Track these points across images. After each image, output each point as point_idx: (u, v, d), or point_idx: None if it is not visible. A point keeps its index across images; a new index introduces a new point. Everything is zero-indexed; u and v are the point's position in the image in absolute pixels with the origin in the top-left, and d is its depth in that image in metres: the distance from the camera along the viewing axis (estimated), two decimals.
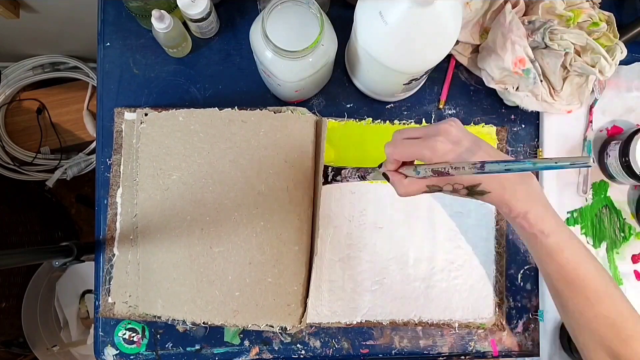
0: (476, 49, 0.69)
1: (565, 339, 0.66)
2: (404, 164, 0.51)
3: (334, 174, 0.61)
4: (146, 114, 0.65)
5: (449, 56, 0.70)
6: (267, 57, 0.56)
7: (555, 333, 0.67)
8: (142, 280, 0.64)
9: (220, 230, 0.62)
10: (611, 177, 0.69)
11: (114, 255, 0.65)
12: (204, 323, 0.62)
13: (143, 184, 0.64)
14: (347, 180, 0.61)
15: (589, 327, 0.50)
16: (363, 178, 0.57)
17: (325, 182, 0.63)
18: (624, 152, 0.65)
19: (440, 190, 0.50)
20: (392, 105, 0.70)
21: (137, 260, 0.64)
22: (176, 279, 0.62)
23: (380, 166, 0.53)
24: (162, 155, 0.64)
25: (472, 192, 0.49)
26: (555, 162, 0.40)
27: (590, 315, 0.49)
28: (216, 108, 0.64)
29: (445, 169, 0.45)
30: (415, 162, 0.50)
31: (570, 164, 0.39)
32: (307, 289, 0.63)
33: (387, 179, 0.52)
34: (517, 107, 0.68)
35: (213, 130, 0.64)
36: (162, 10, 0.59)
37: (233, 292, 0.62)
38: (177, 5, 0.61)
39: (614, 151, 0.67)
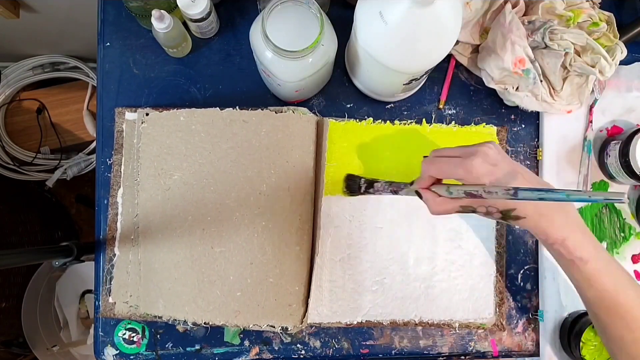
0: (476, 49, 0.69)
1: (565, 339, 0.66)
2: (438, 181, 0.51)
3: (367, 186, 0.62)
4: (147, 114, 0.65)
5: (449, 56, 0.70)
6: (267, 57, 0.56)
7: (556, 333, 0.67)
8: (143, 280, 0.64)
9: (221, 230, 0.62)
10: (611, 177, 0.69)
11: (114, 255, 0.65)
12: (205, 323, 0.62)
13: (144, 184, 0.64)
14: (380, 194, 0.62)
15: (628, 351, 0.49)
16: (395, 193, 0.58)
17: (357, 192, 0.65)
18: (624, 152, 0.65)
19: (474, 212, 0.50)
20: (392, 105, 0.70)
21: (138, 260, 0.64)
22: (177, 279, 0.62)
23: (412, 183, 0.53)
24: (163, 155, 0.64)
25: (507, 216, 0.48)
26: (589, 196, 0.40)
27: (630, 339, 0.49)
28: (217, 108, 0.64)
29: (478, 192, 0.45)
30: (448, 182, 0.50)
31: (604, 199, 0.39)
32: (308, 289, 0.63)
33: (420, 196, 0.53)
34: (517, 107, 0.68)
35: (214, 130, 0.64)
36: (162, 10, 0.59)
37: (234, 292, 0.62)
38: (177, 5, 0.61)
39: (613, 151, 0.67)
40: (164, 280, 0.63)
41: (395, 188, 0.58)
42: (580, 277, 0.50)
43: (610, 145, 0.68)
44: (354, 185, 0.65)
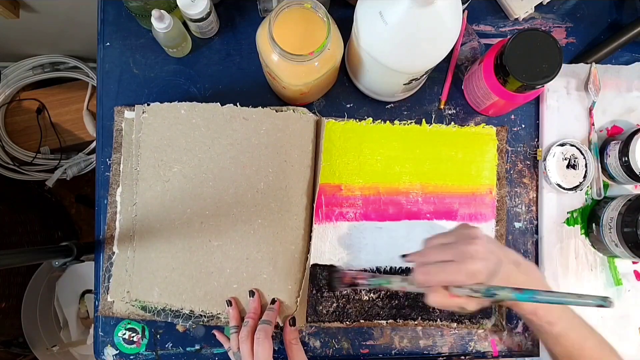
0: None
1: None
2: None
3: (351, 284, 0.59)
4: (148, 104, 0.65)
5: (449, 56, 0.70)
6: (273, 60, 0.56)
7: None
8: (137, 268, 0.64)
9: (219, 224, 0.63)
10: (611, 177, 0.69)
11: (113, 253, 0.65)
12: (201, 311, 0.62)
13: (144, 174, 0.64)
14: (366, 288, 0.63)
15: None
16: (389, 289, 0.57)
17: (338, 289, 0.64)
18: (624, 152, 0.65)
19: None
20: (392, 105, 0.70)
21: (134, 248, 0.64)
22: (175, 269, 0.63)
23: (404, 279, 0.54)
24: (163, 147, 0.64)
25: (493, 300, 0.51)
26: (578, 299, 0.46)
27: None
28: (218, 103, 0.64)
29: (481, 291, 0.48)
30: None
31: (592, 302, 0.45)
32: (301, 288, 0.63)
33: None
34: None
35: (214, 125, 0.64)
36: (162, 10, 0.59)
37: (231, 284, 0.62)
38: (177, 5, 0.61)
39: (613, 151, 0.67)
40: (161, 269, 0.63)
41: (390, 284, 0.56)
42: (549, 337, 0.55)
43: (610, 146, 0.68)
44: (334, 282, 0.61)
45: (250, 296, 0.61)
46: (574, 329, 0.54)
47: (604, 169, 0.70)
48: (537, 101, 0.71)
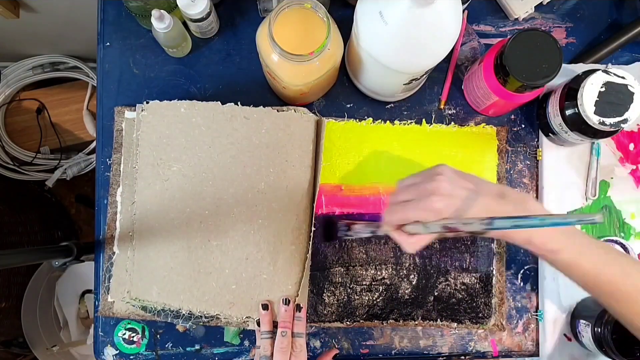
0: None
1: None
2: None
3: (346, 230, 0.61)
4: (147, 102, 0.65)
5: (449, 56, 0.70)
6: (273, 60, 0.56)
7: (555, 333, 0.67)
8: (136, 266, 0.63)
9: (218, 224, 0.63)
10: (553, 133, 0.67)
11: (113, 253, 0.65)
12: (199, 312, 0.62)
13: (142, 172, 0.64)
14: (359, 236, 0.63)
15: (633, 325, 0.50)
16: (374, 233, 0.58)
17: (335, 238, 0.64)
18: (569, 99, 0.61)
19: (445, 239, 0.51)
20: (392, 105, 0.70)
21: (133, 247, 0.64)
22: (174, 268, 0.62)
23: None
24: (162, 145, 0.64)
25: (476, 233, 0.50)
26: (564, 219, 0.42)
27: (630, 314, 0.50)
28: (218, 102, 0.64)
29: (455, 224, 0.46)
30: None
31: (578, 221, 0.41)
32: (300, 288, 0.63)
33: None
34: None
35: (215, 124, 0.64)
36: (162, 10, 0.59)
37: (229, 284, 0.62)
38: (177, 5, 0.61)
39: (554, 104, 0.64)
40: (159, 268, 0.63)
41: (374, 228, 0.58)
42: (557, 266, 0.51)
43: (551, 98, 0.65)
44: (331, 232, 0.64)
45: (263, 309, 0.61)
46: (586, 256, 0.48)
47: (546, 126, 0.68)
48: (537, 101, 0.71)
